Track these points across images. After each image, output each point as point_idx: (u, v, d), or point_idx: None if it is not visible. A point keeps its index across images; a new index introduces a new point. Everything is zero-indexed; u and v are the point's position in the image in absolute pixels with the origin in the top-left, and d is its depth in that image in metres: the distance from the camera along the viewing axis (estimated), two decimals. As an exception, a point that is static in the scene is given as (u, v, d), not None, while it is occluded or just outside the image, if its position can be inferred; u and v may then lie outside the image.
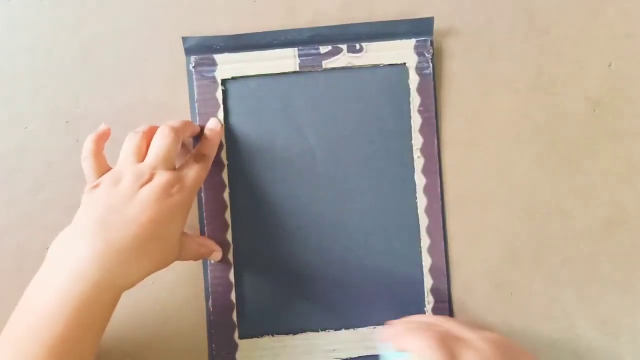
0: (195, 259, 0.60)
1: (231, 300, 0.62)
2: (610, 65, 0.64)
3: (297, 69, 0.63)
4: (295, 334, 0.63)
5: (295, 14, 0.64)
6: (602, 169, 0.64)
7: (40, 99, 0.63)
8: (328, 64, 0.63)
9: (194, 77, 0.62)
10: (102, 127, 0.58)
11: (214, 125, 0.62)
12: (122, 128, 0.62)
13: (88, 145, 0.57)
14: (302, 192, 0.63)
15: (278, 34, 0.63)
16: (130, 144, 0.56)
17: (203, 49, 0.62)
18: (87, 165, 0.56)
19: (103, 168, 0.56)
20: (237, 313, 0.63)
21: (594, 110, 0.64)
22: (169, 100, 0.63)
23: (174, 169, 0.56)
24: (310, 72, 0.63)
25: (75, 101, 0.63)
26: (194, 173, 0.56)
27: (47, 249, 0.61)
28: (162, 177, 0.54)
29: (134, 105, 0.63)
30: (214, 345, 0.62)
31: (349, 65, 0.63)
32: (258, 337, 0.63)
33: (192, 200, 0.57)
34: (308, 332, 0.63)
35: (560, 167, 0.64)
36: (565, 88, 0.64)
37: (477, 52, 0.64)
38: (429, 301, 0.63)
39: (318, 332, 0.63)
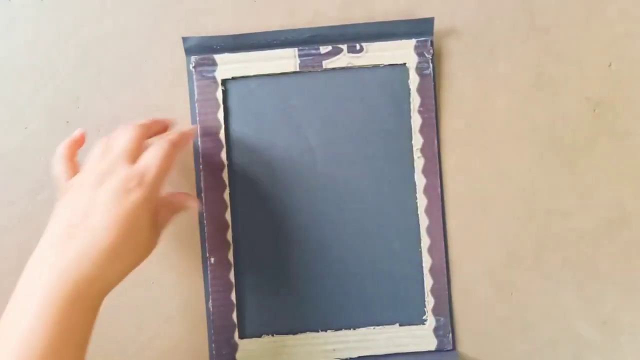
0: (173, 214, 0.58)
1: (231, 300, 0.62)
2: (610, 65, 0.64)
3: (297, 69, 0.63)
4: (294, 333, 0.63)
5: (295, 14, 0.64)
6: (602, 168, 0.64)
7: (40, 99, 0.63)
8: (328, 63, 0.63)
9: (194, 77, 0.62)
10: (77, 133, 0.57)
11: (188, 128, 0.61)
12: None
13: (60, 149, 0.56)
14: (302, 192, 0.63)
15: (278, 33, 0.63)
16: (98, 145, 0.55)
17: (203, 49, 0.62)
18: (58, 169, 0.55)
19: (74, 172, 0.55)
20: (237, 313, 0.63)
21: (594, 110, 0.64)
22: (169, 101, 0.63)
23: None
24: (310, 72, 0.63)
25: (75, 101, 0.63)
26: (155, 162, 0.53)
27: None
28: (119, 173, 0.52)
29: (134, 105, 0.63)
30: (213, 345, 0.62)
31: (349, 65, 0.63)
32: (258, 337, 0.63)
33: (157, 192, 0.54)
34: (308, 332, 0.63)
35: (560, 167, 0.64)
36: (565, 88, 0.64)
37: (477, 52, 0.64)
38: (429, 301, 0.63)
39: (318, 332, 0.63)
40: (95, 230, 0.49)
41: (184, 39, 0.62)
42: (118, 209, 0.50)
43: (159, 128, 0.59)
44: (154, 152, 0.54)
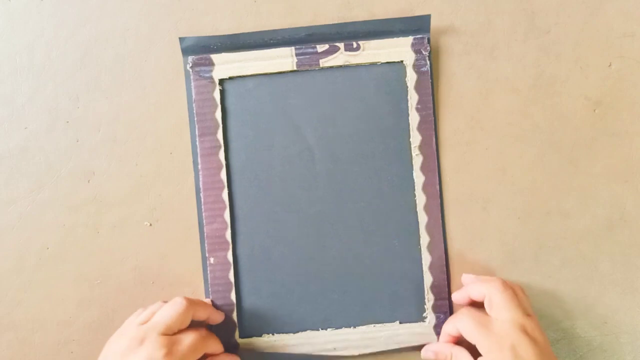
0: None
1: (231, 300, 0.62)
2: (610, 65, 0.64)
3: (295, 68, 0.63)
4: (295, 332, 0.63)
5: (295, 14, 0.64)
6: (601, 168, 0.64)
7: (40, 99, 0.63)
8: (325, 62, 0.63)
9: (191, 77, 0.63)
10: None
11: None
12: (122, 128, 0.63)
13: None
14: (300, 190, 0.63)
15: (275, 32, 0.63)
16: (149, 307, 0.59)
17: (200, 49, 0.63)
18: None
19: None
20: (237, 312, 0.63)
21: (594, 110, 0.64)
22: (168, 100, 0.63)
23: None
24: (307, 70, 0.63)
25: (75, 101, 0.63)
26: (188, 341, 0.56)
27: (47, 248, 0.62)
28: (150, 346, 0.54)
29: (134, 105, 0.63)
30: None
31: (346, 63, 0.63)
32: (258, 336, 0.63)
33: None
34: (308, 331, 0.63)
35: (560, 167, 0.64)
36: (565, 88, 0.64)
37: (477, 52, 0.64)
38: (429, 298, 0.63)
39: (318, 330, 0.63)
40: None
41: (181, 39, 0.62)
42: None
43: (205, 313, 0.60)
44: (191, 334, 0.57)
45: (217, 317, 0.61)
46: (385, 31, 0.63)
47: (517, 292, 0.58)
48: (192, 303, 0.58)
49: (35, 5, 0.64)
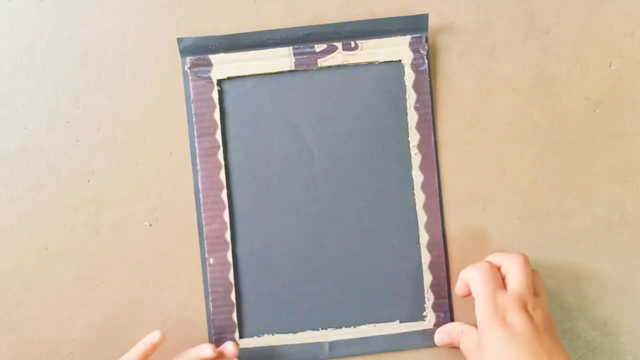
0: None
1: (231, 300, 0.62)
2: (610, 65, 0.64)
3: (293, 68, 0.63)
4: (295, 332, 0.63)
5: (294, 14, 0.64)
6: (601, 168, 0.64)
7: (40, 99, 0.63)
8: (323, 62, 0.63)
9: (190, 77, 0.63)
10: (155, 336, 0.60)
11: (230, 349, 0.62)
12: (122, 128, 0.63)
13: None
14: (299, 190, 0.63)
15: (273, 32, 0.63)
16: None
17: (198, 49, 0.63)
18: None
19: None
20: (237, 313, 0.63)
21: (594, 110, 0.64)
22: (168, 100, 0.63)
23: None
24: (305, 70, 0.63)
25: (75, 101, 0.63)
26: None
27: (47, 248, 0.62)
28: None
29: (134, 105, 0.63)
30: (214, 345, 0.62)
31: (344, 63, 0.63)
32: (258, 336, 0.63)
33: None
34: (308, 330, 0.63)
35: (560, 167, 0.64)
36: (565, 88, 0.64)
37: (477, 52, 0.64)
38: (429, 297, 0.63)
39: (318, 330, 0.63)
40: None
41: (179, 40, 0.62)
42: None
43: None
44: None
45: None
46: (383, 30, 0.63)
47: (533, 273, 0.58)
48: None
49: (35, 5, 0.64)
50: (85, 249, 0.63)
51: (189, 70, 0.62)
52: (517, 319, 0.53)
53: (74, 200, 0.63)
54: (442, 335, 0.62)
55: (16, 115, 0.63)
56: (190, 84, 0.63)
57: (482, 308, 0.55)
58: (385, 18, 0.63)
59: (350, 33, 0.63)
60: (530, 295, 0.55)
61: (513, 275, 0.56)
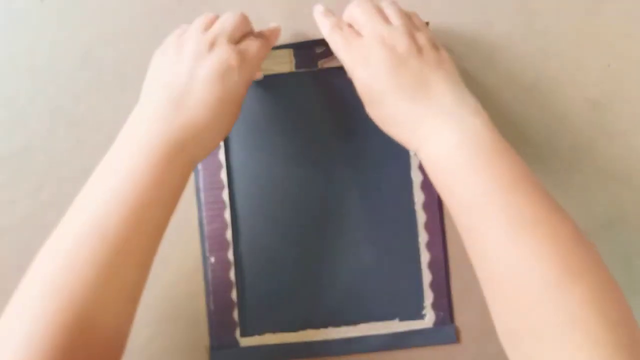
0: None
1: (231, 299, 0.63)
2: (609, 66, 0.64)
3: (293, 69, 0.63)
4: (295, 331, 0.63)
5: (294, 14, 0.64)
6: (601, 168, 0.64)
7: (41, 100, 0.63)
8: (323, 63, 0.63)
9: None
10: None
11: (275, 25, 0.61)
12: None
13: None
14: (299, 190, 0.64)
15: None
16: (200, 17, 0.57)
17: None
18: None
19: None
20: (238, 311, 0.63)
21: (593, 110, 0.64)
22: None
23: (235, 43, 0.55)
24: (305, 71, 0.63)
25: (76, 102, 0.63)
26: (255, 46, 0.56)
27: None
28: (222, 51, 0.53)
29: (134, 105, 0.63)
30: (215, 344, 0.63)
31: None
32: (259, 335, 0.63)
33: (254, 73, 0.57)
34: (308, 329, 0.63)
35: (560, 167, 0.64)
36: (565, 88, 0.64)
37: (477, 53, 0.64)
38: (428, 296, 0.63)
39: (318, 328, 0.63)
40: (198, 105, 0.51)
41: None
42: (219, 88, 0.52)
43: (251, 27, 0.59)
44: (253, 39, 0.56)
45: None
46: None
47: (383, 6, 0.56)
48: (243, 18, 0.57)
49: (36, 6, 0.64)
50: (86, 248, 0.63)
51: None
52: (374, 57, 0.52)
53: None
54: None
55: (17, 115, 0.63)
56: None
57: (347, 65, 0.55)
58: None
59: None
60: (384, 25, 0.54)
61: (359, 20, 0.55)
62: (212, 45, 0.53)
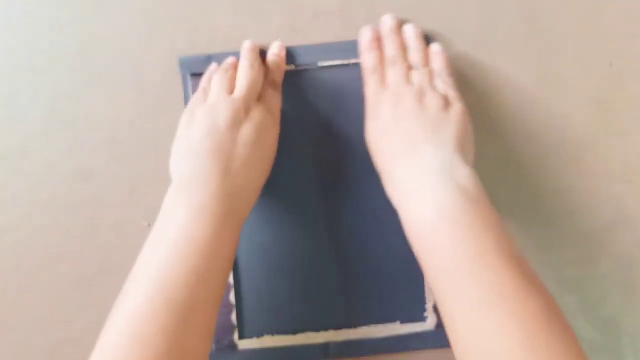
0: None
1: (230, 301, 0.62)
2: (611, 65, 0.64)
3: (293, 67, 0.63)
4: (295, 333, 0.63)
5: (294, 14, 0.64)
6: (603, 168, 0.64)
7: (40, 100, 0.63)
8: (323, 62, 0.63)
9: (189, 77, 0.63)
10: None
11: (277, 49, 0.62)
12: (121, 128, 0.63)
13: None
14: (300, 191, 0.63)
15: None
16: (220, 78, 0.59)
17: (199, 66, 0.63)
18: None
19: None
20: (237, 313, 0.63)
21: (595, 110, 0.64)
22: (167, 100, 0.63)
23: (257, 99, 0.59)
24: (305, 70, 0.63)
25: (74, 101, 0.63)
26: (276, 100, 0.60)
27: (47, 248, 0.62)
28: (259, 116, 0.56)
29: (132, 105, 0.63)
30: (213, 346, 0.62)
31: (345, 62, 0.63)
32: (257, 338, 0.63)
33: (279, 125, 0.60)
34: (307, 332, 0.63)
35: (561, 167, 0.64)
36: (566, 88, 0.64)
37: (478, 52, 0.64)
38: (430, 299, 0.63)
39: (318, 331, 0.63)
40: (244, 173, 0.54)
41: (180, 59, 0.63)
42: (261, 149, 0.56)
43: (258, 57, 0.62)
44: (272, 92, 0.60)
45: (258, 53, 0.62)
46: None
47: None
48: (253, 61, 0.60)
49: (35, 6, 0.64)
50: (84, 249, 0.63)
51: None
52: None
53: (73, 200, 0.63)
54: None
55: (15, 115, 0.63)
56: (190, 83, 0.63)
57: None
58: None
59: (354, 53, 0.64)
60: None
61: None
62: (247, 110, 0.56)
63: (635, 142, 0.64)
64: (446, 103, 0.55)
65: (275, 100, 0.60)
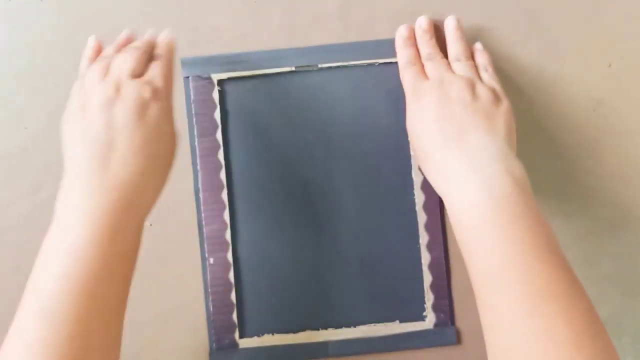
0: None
1: (230, 300, 0.62)
2: (610, 65, 0.64)
3: (293, 68, 0.63)
4: (295, 332, 0.63)
5: (294, 15, 0.64)
6: (603, 169, 0.64)
7: (40, 100, 0.63)
8: (323, 62, 0.63)
9: (190, 78, 0.63)
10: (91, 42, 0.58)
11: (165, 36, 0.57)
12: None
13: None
14: (299, 191, 0.63)
15: (277, 52, 0.63)
16: (93, 65, 0.54)
17: (200, 69, 0.63)
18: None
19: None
20: (237, 313, 0.63)
21: (595, 110, 0.64)
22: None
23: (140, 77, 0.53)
24: (305, 71, 0.63)
25: (74, 101, 0.63)
26: (160, 71, 0.53)
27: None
28: (131, 90, 0.50)
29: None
30: (214, 345, 0.62)
31: (344, 63, 0.63)
32: (258, 336, 0.63)
33: (171, 100, 0.54)
34: (308, 331, 0.63)
35: (561, 167, 0.64)
36: (566, 88, 0.64)
37: (478, 52, 0.64)
38: (429, 297, 0.63)
39: (318, 330, 0.63)
40: (127, 158, 0.48)
41: (181, 60, 0.63)
42: (142, 129, 0.49)
43: (149, 48, 0.56)
44: (155, 65, 0.54)
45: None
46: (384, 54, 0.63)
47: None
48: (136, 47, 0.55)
49: (35, 5, 0.63)
50: (85, 249, 0.63)
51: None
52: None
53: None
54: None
55: (16, 115, 0.63)
56: (191, 84, 0.62)
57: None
58: (386, 39, 0.63)
59: (354, 56, 0.63)
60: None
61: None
62: (117, 88, 0.50)
63: (635, 142, 0.64)
64: (496, 97, 0.55)
65: (158, 72, 0.53)
